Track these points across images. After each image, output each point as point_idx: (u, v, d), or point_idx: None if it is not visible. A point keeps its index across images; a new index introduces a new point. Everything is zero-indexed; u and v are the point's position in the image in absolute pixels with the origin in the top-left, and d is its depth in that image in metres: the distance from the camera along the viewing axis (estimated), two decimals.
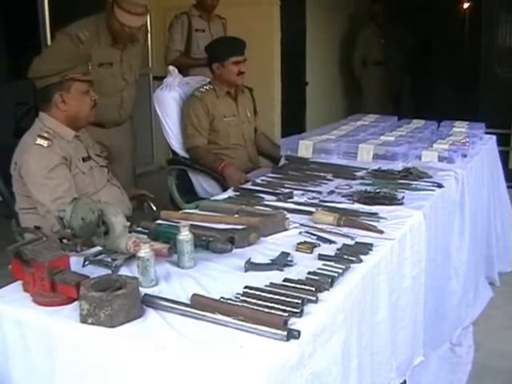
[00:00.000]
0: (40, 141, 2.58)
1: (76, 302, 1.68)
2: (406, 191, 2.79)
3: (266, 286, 1.80)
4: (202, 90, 3.88)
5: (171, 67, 4.09)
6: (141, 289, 1.73)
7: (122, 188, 2.99)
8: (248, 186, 3.01)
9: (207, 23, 5.03)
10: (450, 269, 3.11)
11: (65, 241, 2.13)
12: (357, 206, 2.60)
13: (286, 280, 1.83)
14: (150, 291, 1.78)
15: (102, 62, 3.45)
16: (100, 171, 2.85)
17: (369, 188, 2.82)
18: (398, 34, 8.19)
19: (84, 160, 2.75)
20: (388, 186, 2.83)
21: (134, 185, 4.20)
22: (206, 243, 2.04)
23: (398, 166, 3.22)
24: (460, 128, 4.06)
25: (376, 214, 2.47)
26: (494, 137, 4.15)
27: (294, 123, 6.72)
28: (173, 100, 3.97)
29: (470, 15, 8.85)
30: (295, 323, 1.58)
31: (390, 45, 8.15)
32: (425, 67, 8.63)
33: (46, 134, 2.60)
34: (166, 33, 5.21)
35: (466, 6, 8.92)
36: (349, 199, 2.70)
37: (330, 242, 2.18)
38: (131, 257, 1.95)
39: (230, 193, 2.90)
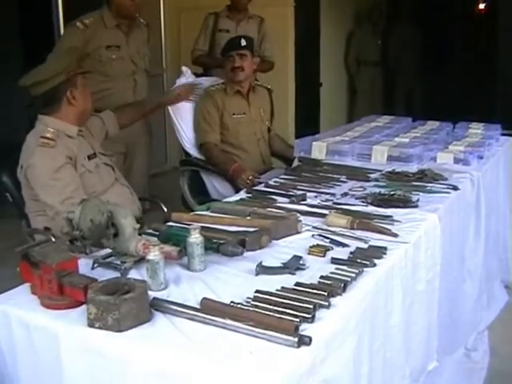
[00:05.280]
0: (43, 142, 2.54)
1: (84, 306, 1.66)
2: (421, 193, 2.75)
3: (277, 290, 1.77)
4: (212, 88, 3.93)
5: (184, 68, 4.08)
6: (150, 292, 1.71)
7: (137, 185, 2.96)
8: (260, 187, 2.98)
9: (235, 24, 4.93)
10: (465, 272, 3.06)
11: (77, 242, 2.10)
12: (371, 209, 2.56)
13: (297, 284, 1.80)
14: (159, 295, 1.75)
15: (109, 44, 3.84)
16: (106, 169, 2.82)
17: (383, 190, 2.78)
18: (408, 34, 8.12)
19: (90, 158, 2.72)
20: (402, 189, 2.78)
21: (148, 185, 4.22)
22: (216, 246, 2.01)
23: (413, 167, 3.18)
24: (476, 129, 4.01)
25: (390, 216, 2.43)
26: (511, 139, 4.09)
27: (308, 124, 6.70)
28: None
29: (486, 14, 8.75)
30: (306, 329, 1.55)
31: (399, 45, 8.09)
32: (439, 67, 8.54)
33: (48, 135, 2.56)
34: (181, 33, 5.20)
35: (481, 6, 8.83)
36: (362, 201, 2.66)
37: (343, 245, 2.15)
38: (141, 259, 1.93)
39: (242, 194, 2.87)
